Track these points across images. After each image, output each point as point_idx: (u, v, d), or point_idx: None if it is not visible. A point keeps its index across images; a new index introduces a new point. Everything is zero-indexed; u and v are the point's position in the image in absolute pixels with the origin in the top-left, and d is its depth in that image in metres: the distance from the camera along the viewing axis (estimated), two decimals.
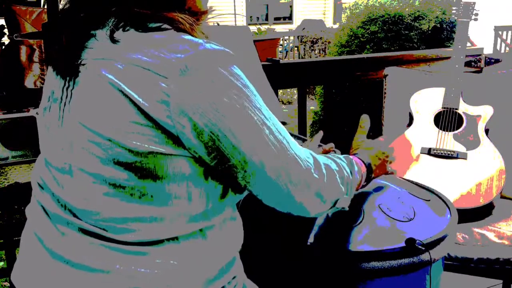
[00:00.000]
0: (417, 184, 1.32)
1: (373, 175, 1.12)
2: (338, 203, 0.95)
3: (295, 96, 6.18)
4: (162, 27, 0.80)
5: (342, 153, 1.13)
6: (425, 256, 1.02)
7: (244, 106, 0.78)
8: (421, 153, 1.86)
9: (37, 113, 1.52)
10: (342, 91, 3.55)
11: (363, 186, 1.10)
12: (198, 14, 0.88)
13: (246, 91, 0.79)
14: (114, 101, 0.76)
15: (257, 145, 0.80)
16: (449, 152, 1.82)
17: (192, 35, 0.81)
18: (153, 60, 0.75)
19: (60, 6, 1.81)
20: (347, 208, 0.99)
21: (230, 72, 0.77)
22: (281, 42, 10.84)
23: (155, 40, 0.78)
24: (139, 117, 0.75)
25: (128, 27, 0.79)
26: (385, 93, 2.18)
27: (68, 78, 0.84)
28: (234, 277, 0.91)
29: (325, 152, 1.24)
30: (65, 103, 0.84)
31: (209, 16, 0.92)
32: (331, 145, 1.27)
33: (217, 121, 0.76)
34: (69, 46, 0.83)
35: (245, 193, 0.91)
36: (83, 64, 0.81)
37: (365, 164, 1.08)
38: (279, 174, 0.83)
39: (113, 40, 0.79)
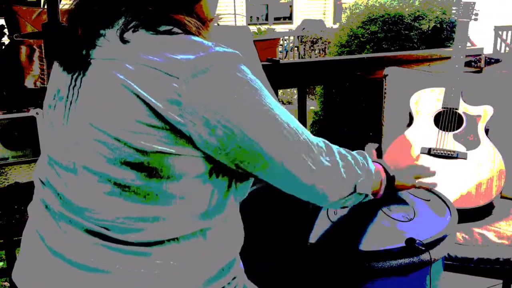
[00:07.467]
0: None
1: (395, 182, 1.11)
2: (358, 187, 0.97)
3: (295, 96, 6.16)
4: (173, 30, 0.80)
5: None
6: (425, 256, 1.02)
7: (255, 100, 0.79)
8: (421, 153, 1.86)
9: (37, 113, 1.53)
10: (342, 91, 3.55)
11: (385, 193, 1.08)
12: (205, 21, 0.88)
13: (255, 85, 0.80)
14: (125, 101, 0.76)
15: (272, 136, 0.81)
16: (449, 152, 1.82)
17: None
18: (164, 61, 0.75)
19: (60, 6, 1.82)
20: (371, 196, 1.01)
21: (239, 71, 0.78)
22: (281, 42, 10.83)
23: (166, 41, 0.78)
24: (151, 118, 0.75)
25: (138, 28, 0.79)
26: (385, 93, 2.18)
27: (75, 77, 0.84)
28: (234, 278, 0.91)
29: None
30: (71, 101, 0.84)
31: None
32: None
33: (230, 117, 0.77)
34: (78, 45, 0.83)
35: (247, 192, 0.91)
36: (92, 63, 0.81)
37: (384, 168, 1.08)
38: (295, 162, 0.85)
39: (123, 41, 0.79)
